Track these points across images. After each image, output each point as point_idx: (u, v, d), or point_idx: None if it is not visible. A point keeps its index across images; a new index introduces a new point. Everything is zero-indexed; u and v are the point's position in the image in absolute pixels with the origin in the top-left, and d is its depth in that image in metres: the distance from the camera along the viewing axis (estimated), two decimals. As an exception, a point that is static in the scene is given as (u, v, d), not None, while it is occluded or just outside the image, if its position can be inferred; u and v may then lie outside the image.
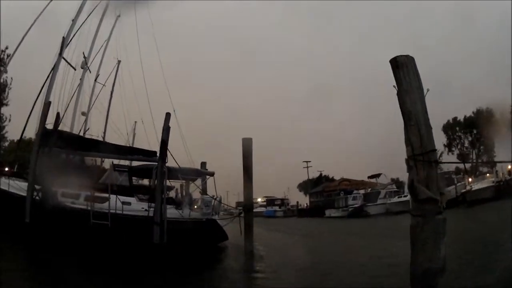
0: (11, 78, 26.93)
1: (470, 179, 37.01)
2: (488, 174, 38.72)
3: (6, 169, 16.40)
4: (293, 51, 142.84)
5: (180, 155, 13.83)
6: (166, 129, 11.89)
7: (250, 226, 12.20)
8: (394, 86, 4.47)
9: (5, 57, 24.51)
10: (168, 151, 12.00)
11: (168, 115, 12.08)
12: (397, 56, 4.46)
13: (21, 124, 14.64)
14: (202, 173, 15.92)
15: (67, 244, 10.13)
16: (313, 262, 10.30)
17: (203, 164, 16.86)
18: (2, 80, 26.09)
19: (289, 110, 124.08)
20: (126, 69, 24.30)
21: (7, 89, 27.31)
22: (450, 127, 53.95)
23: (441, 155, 51.22)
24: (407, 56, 4.46)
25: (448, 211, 4.41)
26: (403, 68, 4.39)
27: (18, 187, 11.96)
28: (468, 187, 32.90)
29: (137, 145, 18.15)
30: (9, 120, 27.94)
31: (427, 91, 4.40)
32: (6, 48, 24.41)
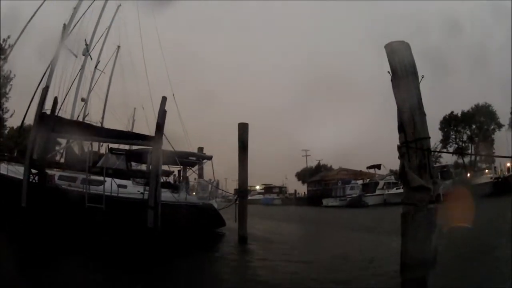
0: (10, 71, 26.85)
1: (468, 174, 37.06)
2: (486, 170, 38.79)
3: (5, 154, 16.39)
4: (295, 39, 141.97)
5: (178, 140, 13.82)
6: (162, 113, 11.82)
7: (244, 212, 12.23)
8: (388, 72, 4.39)
9: (7, 46, 24.23)
10: (164, 135, 11.94)
11: (164, 99, 12.01)
12: (392, 41, 4.37)
13: (22, 111, 14.72)
14: (199, 156, 15.95)
15: (62, 227, 10.14)
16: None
17: (200, 149, 16.87)
18: (3, 72, 25.94)
19: (289, 98, 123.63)
20: (127, 56, 24.38)
21: (8, 83, 27.23)
22: (447, 122, 53.89)
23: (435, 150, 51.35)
24: (402, 41, 4.38)
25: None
26: (398, 54, 4.30)
27: (17, 171, 11.95)
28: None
29: (137, 130, 18.13)
30: (9, 114, 28.04)
31: (422, 77, 4.32)
32: (8, 37, 24.18)
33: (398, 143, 4.38)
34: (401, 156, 4.29)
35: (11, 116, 28.29)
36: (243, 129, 12.59)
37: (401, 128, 4.27)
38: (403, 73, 4.27)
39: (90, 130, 14.05)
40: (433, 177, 4.32)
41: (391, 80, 4.37)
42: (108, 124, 22.26)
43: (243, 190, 12.74)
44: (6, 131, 29.46)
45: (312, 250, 10.38)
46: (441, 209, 4.36)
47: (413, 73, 4.30)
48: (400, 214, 4.30)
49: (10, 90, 27.67)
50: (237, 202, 13.03)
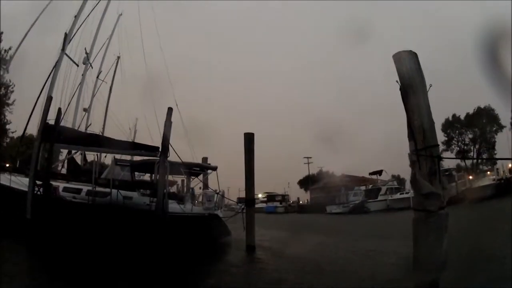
0: (10, 80, 27.15)
1: (470, 177, 37.02)
2: (488, 172, 38.80)
3: (7, 165, 16.39)
4: (298, 42, 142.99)
5: (182, 151, 13.87)
6: (168, 124, 11.90)
7: (252, 221, 12.21)
8: (396, 81, 4.48)
9: (8, 57, 24.45)
10: (170, 146, 12.02)
11: (170, 110, 12.09)
12: (400, 51, 4.47)
13: (24, 120, 14.80)
14: (204, 167, 15.96)
15: (68, 240, 10.14)
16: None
17: (205, 159, 16.89)
18: (3, 80, 26.22)
19: (290, 105, 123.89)
20: (129, 64, 24.55)
21: (8, 92, 27.51)
22: (450, 124, 54.05)
23: (441, 153, 51.44)
24: (410, 51, 4.48)
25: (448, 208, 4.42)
26: (406, 63, 4.40)
27: (20, 182, 11.97)
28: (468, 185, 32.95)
29: (139, 141, 18.24)
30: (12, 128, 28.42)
31: (430, 86, 4.42)
32: (10, 48, 24.42)
33: (402, 149, 4.50)
34: (411, 164, 4.38)
35: (13, 133, 28.63)
36: (249, 139, 12.59)
37: (411, 136, 4.36)
38: (411, 82, 4.37)
39: (96, 140, 14.09)
40: (443, 183, 4.41)
41: (400, 89, 4.47)
42: (109, 134, 22.36)
43: (250, 199, 12.76)
44: (7, 141, 29.72)
45: (319, 257, 10.34)
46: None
47: (421, 82, 4.40)
48: (412, 220, 4.38)
49: (14, 102, 27.97)
50: (243, 211, 13.01)
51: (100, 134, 20.82)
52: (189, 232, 11.92)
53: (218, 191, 15.06)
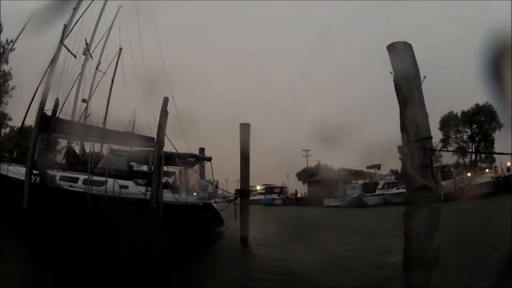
0: (10, 68, 27.05)
1: (469, 174, 37.04)
2: (487, 170, 38.84)
3: (6, 155, 16.40)
4: (298, 34, 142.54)
5: (179, 142, 13.87)
6: (163, 114, 11.85)
7: (246, 212, 12.20)
8: (390, 72, 4.41)
9: (7, 47, 24.29)
10: (166, 136, 11.98)
11: (166, 99, 12.04)
12: (394, 42, 4.39)
13: (23, 111, 14.81)
14: (199, 157, 16.04)
15: (64, 228, 10.11)
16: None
17: (202, 150, 16.91)
18: (1, 72, 26.14)
19: (289, 97, 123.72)
20: (127, 57, 24.44)
21: (7, 82, 27.44)
22: (447, 121, 53.97)
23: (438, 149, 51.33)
24: (404, 42, 4.39)
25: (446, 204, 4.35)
26: (400, 54, 4.33)
27: (18, 172, 11.99)
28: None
29: (138, 132, 18.22)
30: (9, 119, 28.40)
31: (424, 78, 4.34)
32: (10, 41, 24.25)
33: (400, 143, 4.40)
34: (403, 156, 4.30)
35: (10, 120, 28.62)
36: (244, 129, 12.58)
37: (404, 127, 4.28)
38: (405, 74, 4.29)
39: (92, 131, 14.10)
40: (435, 176, 4.33)
41: (394, 81, 4.39)
42: (108, 125, 22.35)
43: (245, 191, 12.77)
44: (6, 131, 29.71)
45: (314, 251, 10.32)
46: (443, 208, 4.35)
47: (415, 73, 4.32)
48: (403, 214, 4.30)
49: (12, 89, 27.90)
50: (236, 202, 13.12)
51: (98, 125, 20.85)
52: (183, 221, 11.97)
53: (212, 181, 15.13)
